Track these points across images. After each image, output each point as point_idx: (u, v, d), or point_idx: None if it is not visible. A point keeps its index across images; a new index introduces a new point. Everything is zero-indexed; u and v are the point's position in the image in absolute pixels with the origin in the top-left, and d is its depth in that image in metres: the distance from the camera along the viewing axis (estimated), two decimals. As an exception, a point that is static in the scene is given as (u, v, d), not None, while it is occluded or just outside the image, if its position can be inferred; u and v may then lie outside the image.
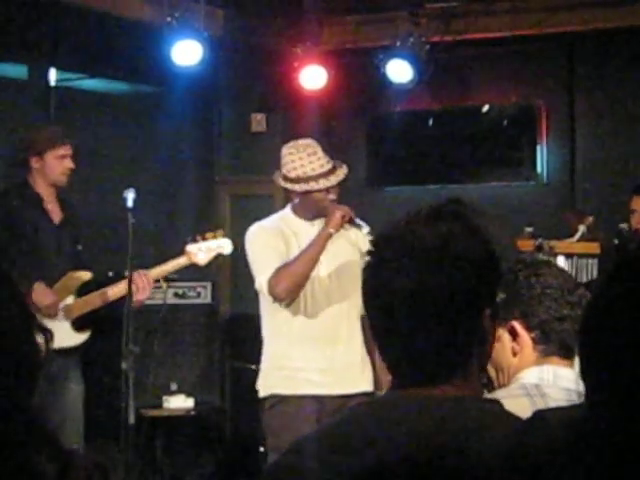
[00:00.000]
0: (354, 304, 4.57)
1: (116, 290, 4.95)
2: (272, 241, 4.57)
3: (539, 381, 2.07)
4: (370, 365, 4.67)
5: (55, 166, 5.10)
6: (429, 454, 1.44)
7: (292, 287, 4.49)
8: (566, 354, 2.11)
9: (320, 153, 4.58)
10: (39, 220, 5.11)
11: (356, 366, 4.61)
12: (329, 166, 4.56)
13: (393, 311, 1.52)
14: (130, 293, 4.78)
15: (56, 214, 5.19)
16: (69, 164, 5.13)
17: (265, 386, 4.65)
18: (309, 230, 4.60)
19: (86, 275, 5.09)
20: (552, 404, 1.99)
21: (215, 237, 5.05)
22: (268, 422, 4.60)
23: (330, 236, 4.49)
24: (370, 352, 4.66)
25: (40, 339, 1.43)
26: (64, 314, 5.01)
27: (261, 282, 4.53)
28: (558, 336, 2.10)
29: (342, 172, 4.58)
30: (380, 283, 1.53)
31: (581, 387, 2.07)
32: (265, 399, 4.62)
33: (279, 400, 4.56)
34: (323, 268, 4.60)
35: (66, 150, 5.12)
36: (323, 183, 4.54)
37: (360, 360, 4.63)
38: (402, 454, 1.45)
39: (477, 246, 1.54)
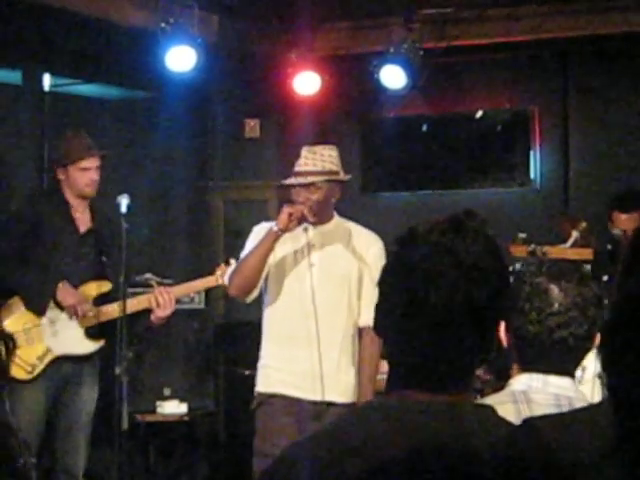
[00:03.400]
0: (343, 315, 4.51)
1: (135, 303, 4.96)
2: (254, 240, 4.55)
3: (527, 388, 2.08)
4: (352, 378, 4.53)
5: (78, 178, 5.08)
6: (433, 458, 1.47)
7: (239, 284, 4.49)
8: (548, 369, 2.11)
9: (306, 153, 4.51)
10: (63, 227, 5.09)
11: (330, 375, 4.43)
12: (307, 167, 4.47)
13: (431, 320, 1.53)
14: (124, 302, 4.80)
15: (83, 223, 5.16)
16: (93, 176, 5.09)
17: (256, 384, 4.65)
18: (298, 233, 4.52)
19: (105, 286, 5.09)
20: (537, 410, 2.00)
21: None
22: (255, 423, 4.57)
23: (276, 235, 4.38)
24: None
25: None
26: (78, 321, 5.01)
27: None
28: (542, 351, 2.10)
29: (312, 178, 4.45)
30: (422, 293, 1.53)
31: (572, 393, 2.08)
32: (255, 398, 4.62)
33: (262, 401, 4.54)
34: (315, 270, 4.52)
35: (90, 162, 5.09)
36: (288, 181, 4.53)
37: (335, 369, 4.47)
38: (405, 458, 1.47)
39: (503, 260, 1.59)
